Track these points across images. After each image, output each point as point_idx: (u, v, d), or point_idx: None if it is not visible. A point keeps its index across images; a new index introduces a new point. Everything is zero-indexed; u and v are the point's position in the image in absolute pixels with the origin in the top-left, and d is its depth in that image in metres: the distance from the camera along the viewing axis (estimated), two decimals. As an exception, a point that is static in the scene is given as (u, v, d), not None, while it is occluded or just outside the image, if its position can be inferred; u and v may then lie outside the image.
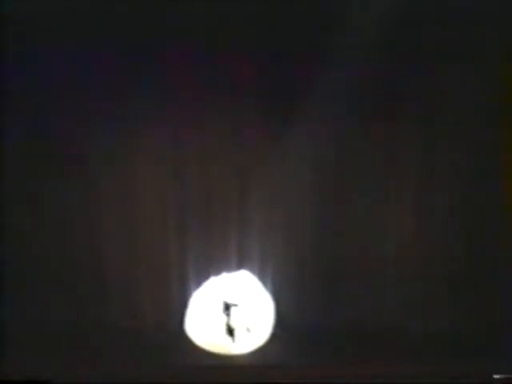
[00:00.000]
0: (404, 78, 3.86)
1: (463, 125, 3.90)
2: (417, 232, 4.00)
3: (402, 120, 3.96)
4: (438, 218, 3.97)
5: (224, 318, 3.85)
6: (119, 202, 3.97)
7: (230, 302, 3.87)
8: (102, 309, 3.97)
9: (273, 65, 3.81)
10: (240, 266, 3.97)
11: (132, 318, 4.00)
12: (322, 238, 4.01)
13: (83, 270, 3.97)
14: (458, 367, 3.44)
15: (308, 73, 3.79)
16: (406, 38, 3.74)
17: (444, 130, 3.94)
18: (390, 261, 4.02)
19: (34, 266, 3.92)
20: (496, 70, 3.79)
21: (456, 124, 3.90)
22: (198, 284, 3.94)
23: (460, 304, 3.95)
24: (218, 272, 3.96)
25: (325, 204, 3.99)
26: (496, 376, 3.35)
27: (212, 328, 3.84)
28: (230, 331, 3.83)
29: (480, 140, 3.91)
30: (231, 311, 3.85)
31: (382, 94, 3.85)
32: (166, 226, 3.99)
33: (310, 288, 3.98)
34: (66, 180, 3.90)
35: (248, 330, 3.84)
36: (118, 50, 3.75)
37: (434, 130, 3.96)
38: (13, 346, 3.55)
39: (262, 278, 3.94)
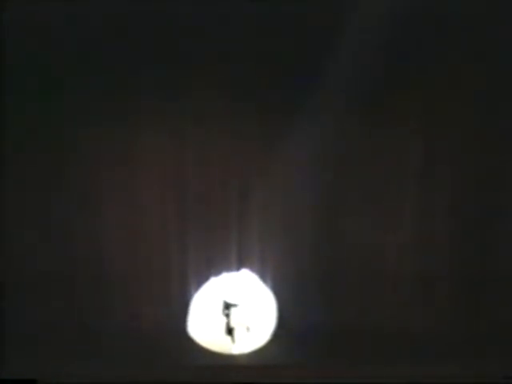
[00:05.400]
0: (404, 78, 3.86)
1: (463, 125, 3.91)
2: (417, 232, 4.00)
3: (402, 119, 3.96)
4: (438, 217, 3.98)
5: (224, 317, 3.86)
6: (119, 202, 3.96)
7: (229, 301, 3.88)
8: (101, 309, 3.97)
9: (273, 65, 3.81)
10: (240, 265, 3.97)
11: (132, 318, 3.99)
12: (322, 237, 4.02)
13: (83, 270, 3.97)
14: (459, 367, 3.45)
15: (308, 73, 3.80)
16: (406, 38, 3.74)
17: (444, 129, 3.95)
18: (389, 261, 4.03)
19: (33, 265, 3.92)
20: (496, 70, 3.80)
21: (456, 124, 3.91)
22: (199, 284, 3.95)
23: (460, 304, 3.97)
24: (218, 272, 3.96)
25: (325, 204, 3.99)
26: (496, 376, 3.36)
27: (212, 328, 3.84)
28: (230, 331, 3.83)
29: (480, 140, 3.92)
30: (231, 311, 3.86)
31: (382, 94, 3.85)
32: (166, 225, 3.99)
33: (310, 288, 3.99)
34: (66, 180, 3.90)
35: (248, 329, 3.85)
36: (118, 50, 3.75)
37: (434, 130, 3.96)
38: (11, 346, 3.55)
39: (263, 277, 3.94)
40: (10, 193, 3.82)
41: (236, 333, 3.84)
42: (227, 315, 3.85)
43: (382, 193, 3.99)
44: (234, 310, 3.87)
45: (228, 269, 3.96)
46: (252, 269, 3.96)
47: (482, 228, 3.99)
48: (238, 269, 3.96)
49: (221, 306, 3.87)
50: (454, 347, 3.75)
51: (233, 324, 3.85)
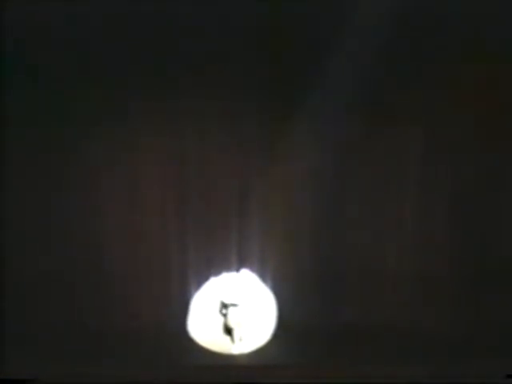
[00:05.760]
0: (404, 78, 3.86)
1: (463, 125, 3.91)
2: (417, 232, 4.00)
3: (402, 119, 3.96)
4: (438, 218, 3.98)
5: (222, 318, 3.85)
6: (119, 202, 3.96)
7: (227, 301, 3.88)
8: (101, 309, 3.97)
9: (273, 64, 3.81)
10: (240, 265, 3.97)
11: (132, 318, 3.99)
12: (322, 237, 4.01)
13: (83, 269, 3.96)
14: (459, 367, 3.45)
15: (308, 73, 3.80)
16: (406, 38, 3.75)
17: (444, 129, 3.95)
18: (389, 261, 4.03)
19: (33, 265, 3.91)
20: (496, 70, 3.80)
21: (456, 124, 3.91)
22: (199, 284, 3.95)
23: (460, 304, 3.96)
24: (218, 272, 3.96)
25: (325, 204, 4.00)
26: (497, 376, 3.36)
27: (212, 328, 3.84)
28: (229, 331, 3.83)
29: (480, 140, 3.92)
30: (229, 311, 3.86)
31: (382, 94, 3.85)
32: (166, 225, 3.99)
33: (310, 288, 3.98)
34: (66, 180, 3.90)
35: (248, 329, 3.84)
36: (118, 50, 3.75)
37: (434, 130, 3.96)
38: (12, 346, 3.55)
39: (263, 277, 3.94)
40: (10, 193, 3.82)
41: (236, 333, 3.83)
42: (227, 315, 3.85)
43: (382, 193, 3.99)
44: (234, 310, 3.87)
45: (228, 269, 3.96)
46: (252, 269, 3.96)
47: (482, 228, 3.99)
48: (237, 269, 3.96)
49: (219, 307, 3.87)
50: (454, 347, 3.74)
51: (232, 324, 3.85)
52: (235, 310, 3.87)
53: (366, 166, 3.96)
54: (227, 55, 3.77)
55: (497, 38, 3.76)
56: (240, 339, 3.83)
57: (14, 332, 3.67)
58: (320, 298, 3.99)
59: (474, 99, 3.88)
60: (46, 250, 3.92)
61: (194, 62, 3.77)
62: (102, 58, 3.74)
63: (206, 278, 3.96)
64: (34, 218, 3.90)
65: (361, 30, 3.66)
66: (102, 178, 3.92)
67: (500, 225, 3.98)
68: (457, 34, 3.76)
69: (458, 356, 3.63)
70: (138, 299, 4.00)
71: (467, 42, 3.77)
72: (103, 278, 3.97)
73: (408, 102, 3.92)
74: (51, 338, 3.80)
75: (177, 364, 3.63)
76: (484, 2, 3.66)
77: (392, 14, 3.59)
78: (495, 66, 3.79)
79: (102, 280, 3.97)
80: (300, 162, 3.93)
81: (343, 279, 4.02)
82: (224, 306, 3.86)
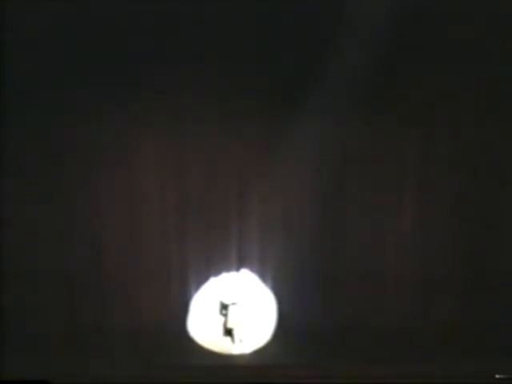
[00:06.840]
0: (404, 78, 3.87)
1: (463, 125, 3.91)
2: (417, 232, 4.00)
3: (402, 120, 3.96)
4: (438, 217, 3.98)
5: (222, 318, 3.85)
6: (119, 203, 3.96)
7: (227, 302, 3.88)
8: (102, 309, 3.97)
9: (273, 64, 3.82)
10: (240, 265, 3.97)
11: (132, 318, 4.00)
12: (322, 237, 4.02)
13: (83, 269, 3.97)
14: (459, 367, 3.45)
15: (308, 73, 3.80)
16: (406, 38, 3.75)
17: (444, 130, 3.95)
18: (389, 261, 4.03)
19: (33, 265, 3.92)
20: (496, 70, 3.80)
21: (456, 124, 3.92)
22: (199, 284, 3.95)
23: (460, 304, 3.97)
24: (218, 272, 3.96)
25: (325, 204, 4.00)
26: (496, 376, 3.36)
27: (212, 328, 3.84)
28: (229, 332, 3.83)
29: (480, 140, 3.93)
30: (229, 311, 3.85)
31: (382, 93, 3.85)
32: (166, 225, 3.99)
33: (310, 288, 3.99)
34: (66, 180, 3.90)
35: (248, 329, 3.84)
36: (118, 50, 3.76)
37: (434, 130, 3.97)
38: (12, 346, 3.55)
39: (263, 277, 3.94)
40: (10, 193, 3.82)
41: (236, 333, 3.83)
42: (227, 315, 3.85)
43: (381, 193, 3.99)
44: (234, 310, 3.87)
45: (228, 269, 3.96)
46: (252, 269, 3.96)
47: (481, 228, 3.99)
48: (237, 269, 3.97)
49: (220, 307, 3.87)
50: (453, 347, 3.75)
51: (232, 324, 3.85)
52: (235, 311, 3.87)
53: (366, 166, 3.96)
54: (227, 55, 3.78)
55: (497, 37, 3.76)
56: (240, 340, 3.83)
57: (14, 332, 3.68)
58: (320, 298, 3.99)
59: (474, 99, 3.89)
60: (46, 250, 3.93)
61: (194, 62, 3.78)
62: (102, 58, 3.74)
63: (206, 278, 3.96)
64: (35, 218, 3.91)
65: (361, 29, 3.66)
66: (101, 177, 3.93)
67: (500, 225, 3.99)
68: (457, 34, 3.76)
69: (457, 356, 3.63)
70: (137, 299, 4.01)
71: (467, 42, 3.77)
72: (103, 277, 3.98)
73: (408, 102, 3.93)
74: (51, 338, 3.80)
75: (177, 364, 3.63)
76: (484, 2, 3.66)
77: (392, 14, 3.59)
78: (495, 66, 3.80)
79: (102, 280, 3.98)
80: (300, 162, 3.93)
81: (343, 279, 4.02)
82: (224, 306, 3.86)
